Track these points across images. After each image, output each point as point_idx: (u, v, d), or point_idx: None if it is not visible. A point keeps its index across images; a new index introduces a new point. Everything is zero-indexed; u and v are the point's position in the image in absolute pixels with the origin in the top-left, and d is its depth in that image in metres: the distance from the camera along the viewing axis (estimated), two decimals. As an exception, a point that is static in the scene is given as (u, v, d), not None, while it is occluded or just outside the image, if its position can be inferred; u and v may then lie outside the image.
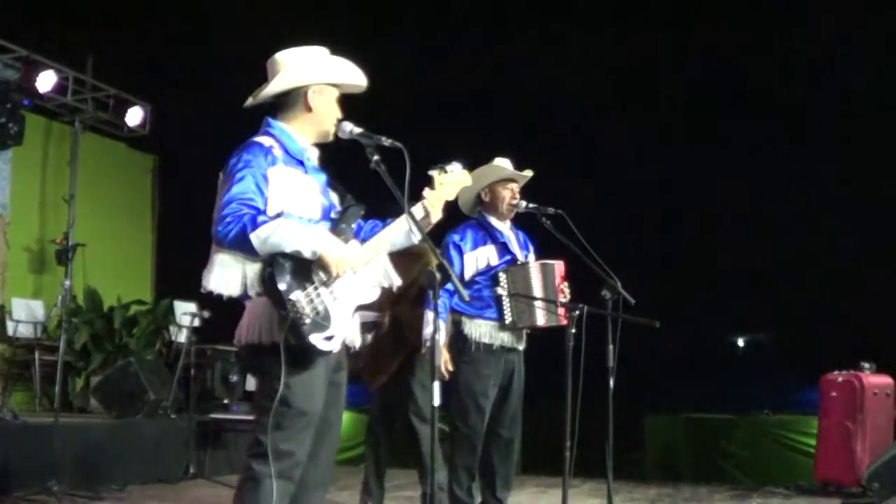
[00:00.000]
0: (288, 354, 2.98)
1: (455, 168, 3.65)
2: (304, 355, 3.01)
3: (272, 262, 2.97)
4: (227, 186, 3.04)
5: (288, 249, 2.97)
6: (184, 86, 9.64)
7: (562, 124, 9.08)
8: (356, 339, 3.29)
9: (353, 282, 3.19)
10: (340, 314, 3.12)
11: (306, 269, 3.03)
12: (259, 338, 3.05)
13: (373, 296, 3.28)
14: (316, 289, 3.04)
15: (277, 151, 3.14)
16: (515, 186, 4.80)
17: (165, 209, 11.37)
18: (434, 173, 3.63)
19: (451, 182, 3.57)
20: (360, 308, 3.25)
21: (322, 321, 3.03)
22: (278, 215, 3.04)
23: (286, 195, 3.09)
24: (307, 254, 2.99)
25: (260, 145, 3.13)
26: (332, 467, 3.30)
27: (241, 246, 2.97)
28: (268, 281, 2.96)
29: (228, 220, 2.96)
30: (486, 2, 9.53)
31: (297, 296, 2.97)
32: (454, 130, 8.93)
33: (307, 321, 2.98)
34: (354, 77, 3.33)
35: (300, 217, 3.11)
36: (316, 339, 3.01)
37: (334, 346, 3.09)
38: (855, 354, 6.96)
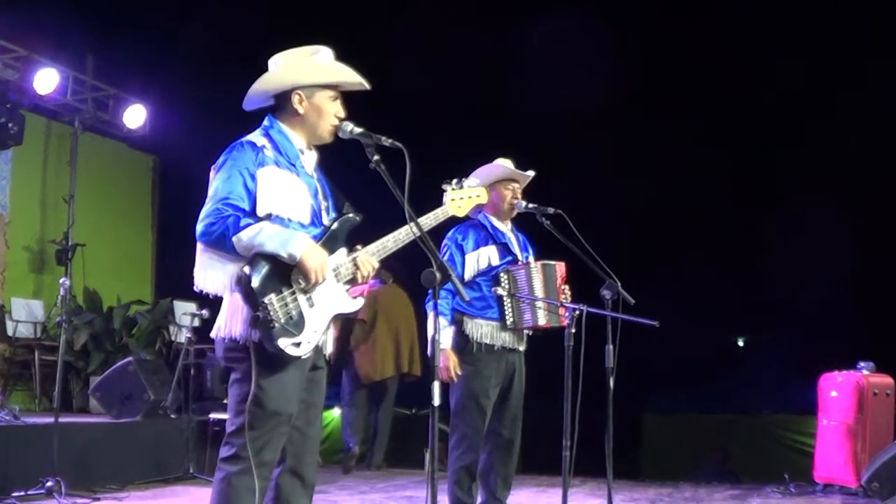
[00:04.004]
0: (259, 355, 2.99)
1: (472, 183, 3.62)
2: (274, 357, 3.00)
3: (251, 263, 2.97)
4: (215, 185, 3.06)
5: (266, 250, 2.97)
6: (184, 86, 9.63)
7: (562, 125, 9.08)
8: (329, 347, 3.26)
9: (334, 290, 3.17)
10: (315, 322, 3.09)
11: (286, 273, 3.02)
12: (235, 334, 3.05)
13: (355, 306, 3.26)
14: (293, 293, 3.03)
15: (269, 152, 3.14)
16: (517, 186, 4.79)
17: (165, 209, 11.36)
18: (448, 187, 3.60)
19: (466, 198, 3.55)
20: (340, 317, 3.22)
21: (293, 327, 3.01)
22: (266, 216, 3.04)
23: (274, 196, 3.09)
24: (284, 257, 2.98)
25: (252, 144, 3.13)
26: (315, 466, 3.29)
27: (223, 246, 2.99)
28: (243, 280, 2.96)
29: (211, 220, 2.99)
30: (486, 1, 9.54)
31: (269, 298, 2.97)
32: (454, 130, 8.94)
33: (276, 325, 2.96)
34: (342, 76, 3.23)
35: (288, 219, 3.11)
36: (284, 344, 2.98)
37: (304, 352, 3.05)
38: (855, 354, 6.96)
